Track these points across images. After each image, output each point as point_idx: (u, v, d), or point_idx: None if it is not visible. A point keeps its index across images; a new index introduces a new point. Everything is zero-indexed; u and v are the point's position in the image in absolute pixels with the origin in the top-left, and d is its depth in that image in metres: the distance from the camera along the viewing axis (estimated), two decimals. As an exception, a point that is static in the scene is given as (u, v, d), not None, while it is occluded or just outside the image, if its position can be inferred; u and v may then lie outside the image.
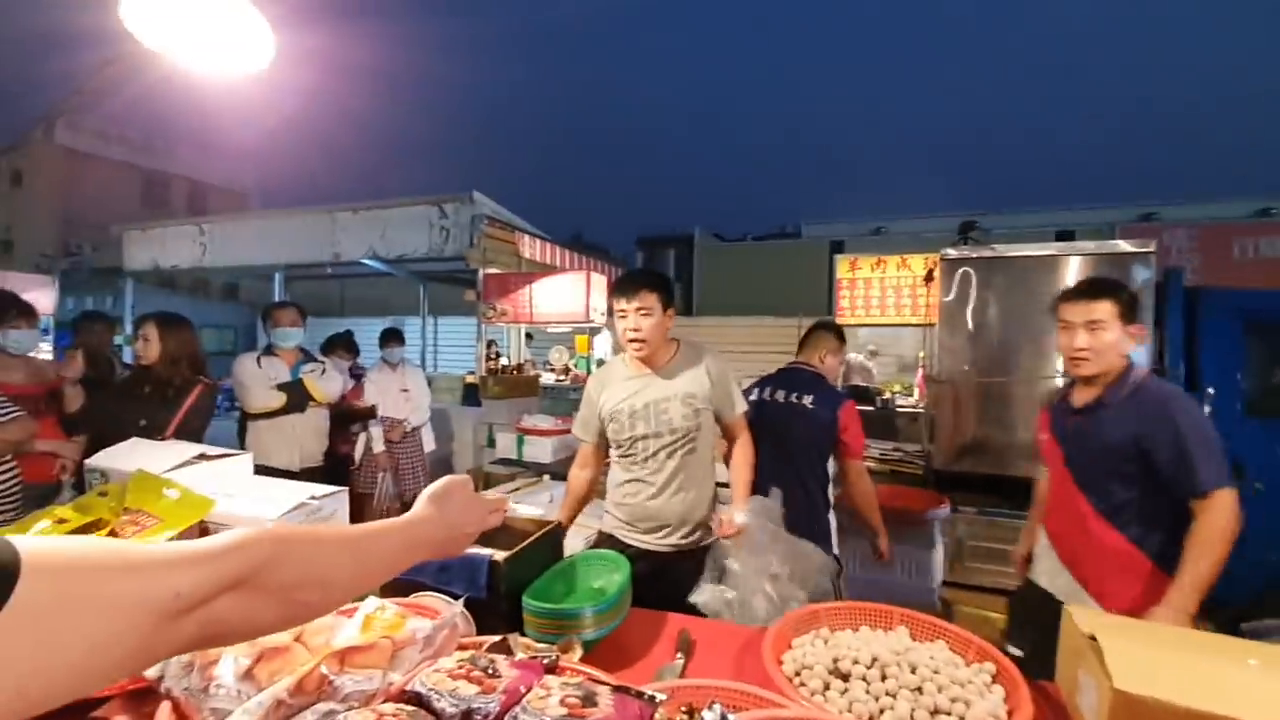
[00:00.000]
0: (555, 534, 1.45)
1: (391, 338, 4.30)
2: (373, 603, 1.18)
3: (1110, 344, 1.59)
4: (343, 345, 4.21)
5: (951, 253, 2.89)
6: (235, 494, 1.61)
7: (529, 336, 9.68)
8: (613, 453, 2.14)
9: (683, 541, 2.01)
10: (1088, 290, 1.61)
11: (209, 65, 1.33)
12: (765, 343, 9.05)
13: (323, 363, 3.41)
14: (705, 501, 2.06)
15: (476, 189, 6.95)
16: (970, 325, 2.84)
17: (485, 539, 1.36)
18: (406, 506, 1.19)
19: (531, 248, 7.12)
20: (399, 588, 1.31)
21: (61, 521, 1.39)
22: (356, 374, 4.39)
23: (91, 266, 10.43)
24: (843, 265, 5.73)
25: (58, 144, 17.11)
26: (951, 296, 2.76)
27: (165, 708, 0.94)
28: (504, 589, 1.25)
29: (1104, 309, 1.58)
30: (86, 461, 1.74)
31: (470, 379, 6.63)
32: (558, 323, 6.44)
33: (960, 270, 2.81)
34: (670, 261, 16.94)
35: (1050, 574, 1.79)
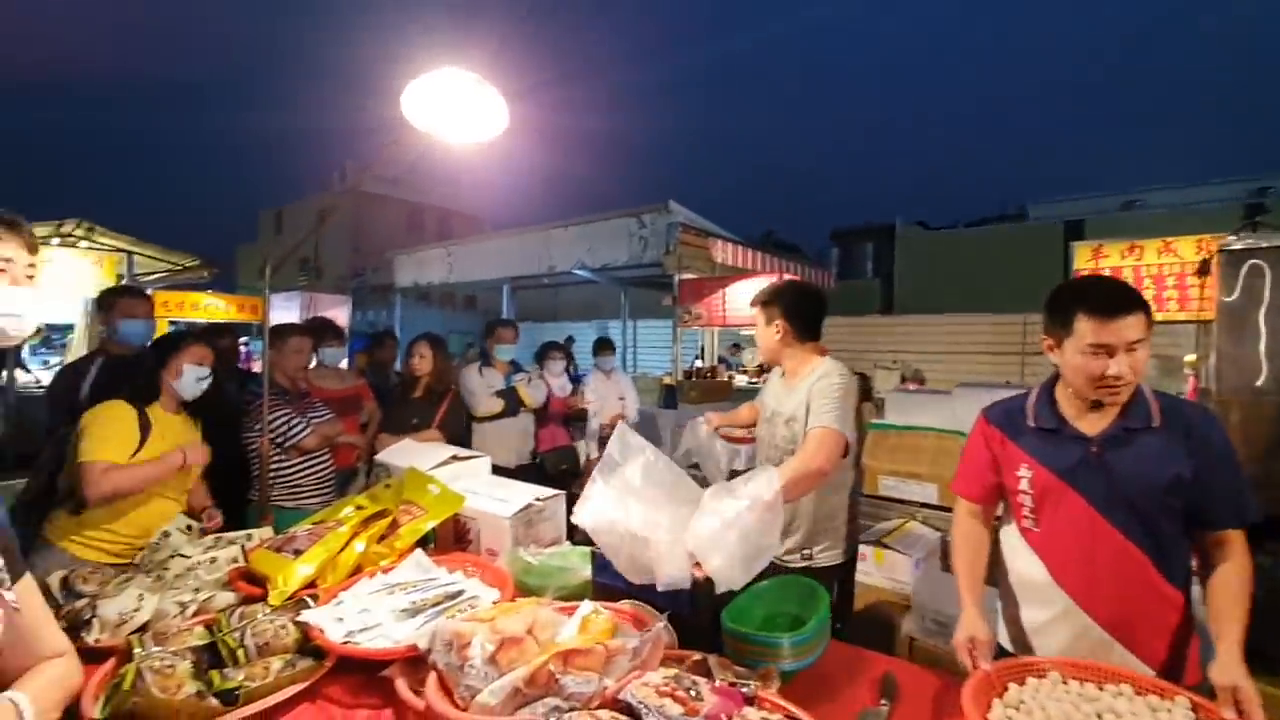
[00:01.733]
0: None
1: (604, 347, 4.55)
2: (588, 605, 1.29)
3: (1144, 363, 1.25)
4: (555, 348, 4.54)
5: (1234, 243, 2.30)
6: (479, 492, 1.88)
7: (736, 346, 9.76)
8: None
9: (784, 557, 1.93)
10: (1125, 303, 1.24)
11: (462, 137, 1.59)
12: (982, 344, 7.99)
13: (528, 372, 3.78)
14: (804, 526, 1.94)
15: (673, 197, 7.20)
16: (1263, 333, 2.24)
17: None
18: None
19: (724, 252, 7.18)
20: (607, 593, 1.41)
21: (360, 508, 1.73)
22: (575, 378, 4.72)
23: (371, 285, 12.74)
24: (1083, 254, 4.87)
25: (354, 188, 21.28)
26: (1235, 297, 2.18)
27: (433, 678, 1.13)
28: (705, 605, 1.29)
29: (1141, 324, 1.23)
30: (375, 457, 2.16)
31: (668, 380, 6.87)
32: (750, 325, 6.43)
33: (1248, 264, 2.23)
34: (868, 255, 15.89)
35: (1072, 641, 1.34)
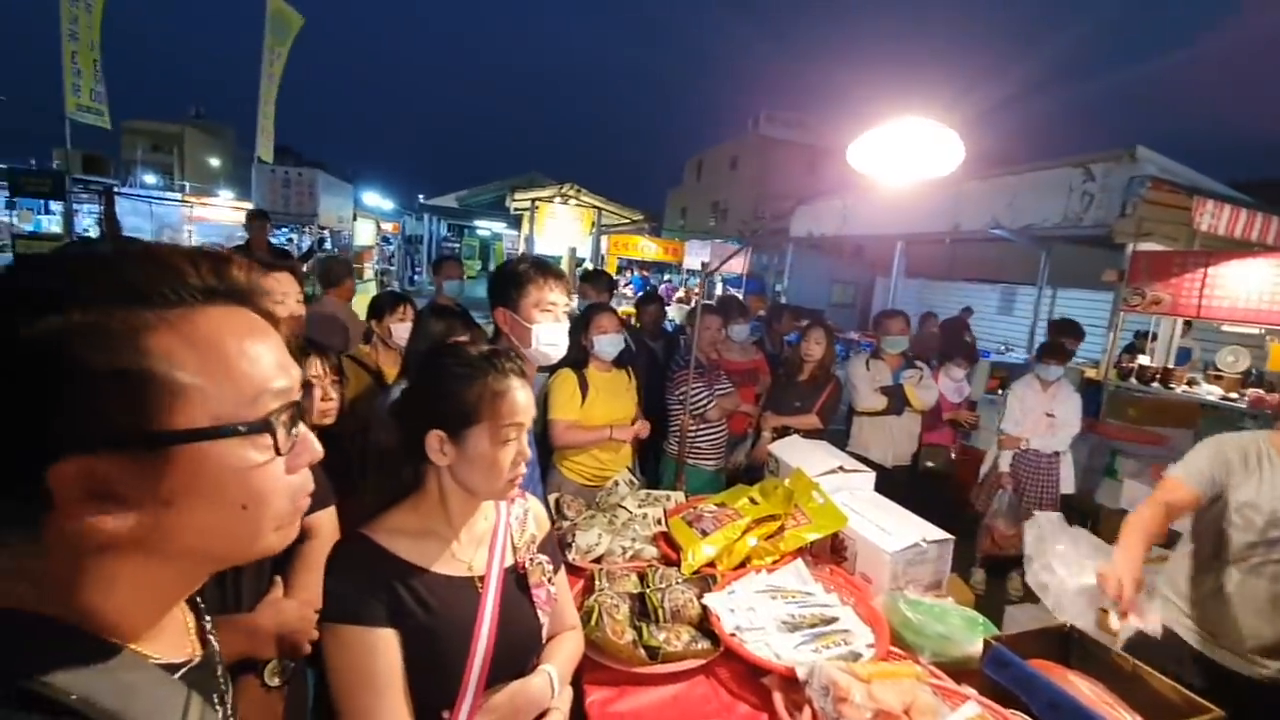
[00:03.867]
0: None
1: (1054, 352, 3.54)
2: (974, 707, 1.15)
3: None
4: (961, 351, 3.84)
5: None
6: (861, 513, 1.83)
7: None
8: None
9: None
10: None
11: (908, 178, 1.44)
12: None
13: (920, 370, 3.35)
14: None
15: (1143, 143, 5.43)
16: None
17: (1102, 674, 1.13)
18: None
19: (1216, 217, 5.11)
20: (998, 693, 1.23)
21: (754, 502, 1.87)
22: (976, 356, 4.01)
23: (767, 230, 13.26)
24: None
25: (761, 134, 22.15)
26: None
27: (809, 714, 1.18)
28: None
29: None
30: (769, 447, 2.30)
31: (1091, 374, 5.46)
32: (1242, 321, 4.53)
33: None
34: None
35: None
